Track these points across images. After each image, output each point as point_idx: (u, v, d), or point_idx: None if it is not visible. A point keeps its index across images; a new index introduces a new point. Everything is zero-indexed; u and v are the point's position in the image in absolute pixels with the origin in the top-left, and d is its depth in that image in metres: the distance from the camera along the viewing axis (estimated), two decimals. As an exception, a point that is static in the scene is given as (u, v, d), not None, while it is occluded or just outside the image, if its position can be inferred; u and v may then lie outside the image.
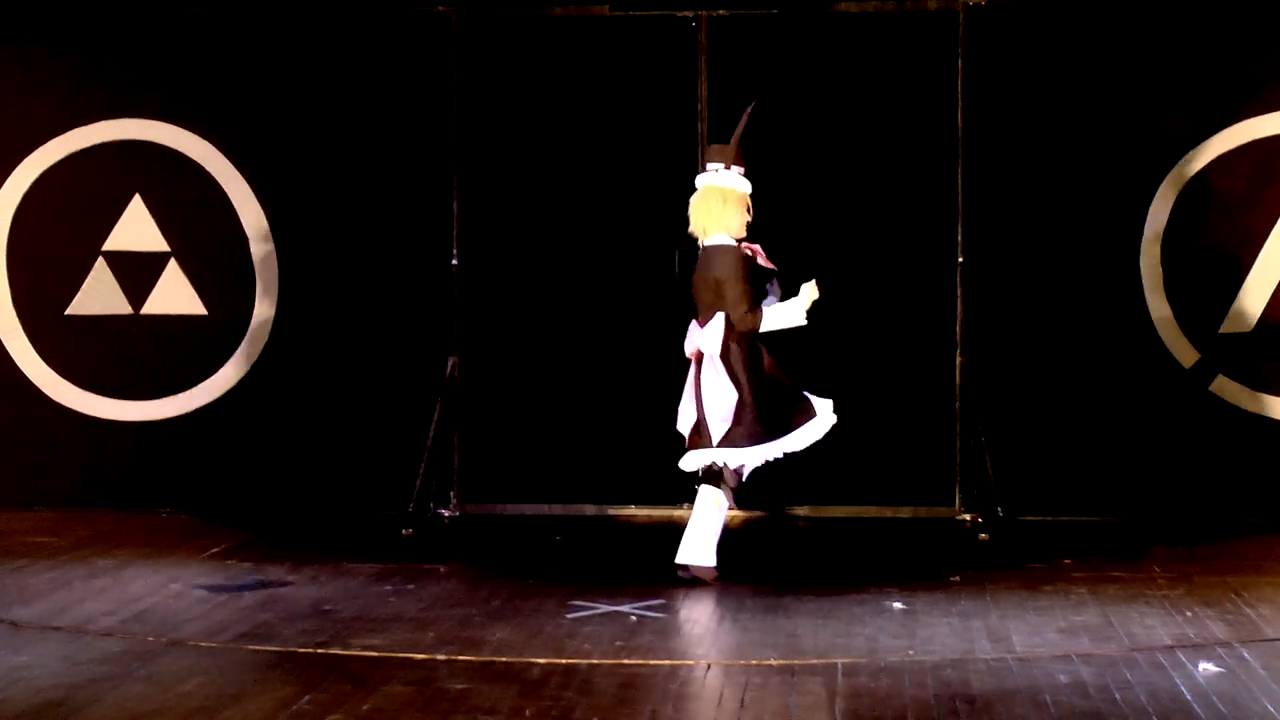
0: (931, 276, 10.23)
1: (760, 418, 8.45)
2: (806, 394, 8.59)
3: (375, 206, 10.47)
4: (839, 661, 7.15)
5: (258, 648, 7.40)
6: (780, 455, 8.56)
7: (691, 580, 8.53)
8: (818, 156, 10.30)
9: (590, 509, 10.43)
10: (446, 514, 10.43)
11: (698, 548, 8.55)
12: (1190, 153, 10.06)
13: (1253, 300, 10.04)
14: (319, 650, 7.32)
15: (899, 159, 10.26)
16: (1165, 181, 10.08)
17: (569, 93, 10.44)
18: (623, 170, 10.41)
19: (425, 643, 7.44)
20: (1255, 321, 10.05)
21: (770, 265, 8.62)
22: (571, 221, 10.44)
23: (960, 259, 10.18)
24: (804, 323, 8.58)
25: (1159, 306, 10.10)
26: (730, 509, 8.66)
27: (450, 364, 10.42)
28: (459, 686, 6.79)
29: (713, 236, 8.58)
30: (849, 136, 10.29)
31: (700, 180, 8.67)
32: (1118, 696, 6.63)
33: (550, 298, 10.46)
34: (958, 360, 10.18)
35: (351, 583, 8.67)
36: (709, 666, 7.10)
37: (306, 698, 6.60)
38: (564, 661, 7.16)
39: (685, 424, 8.65)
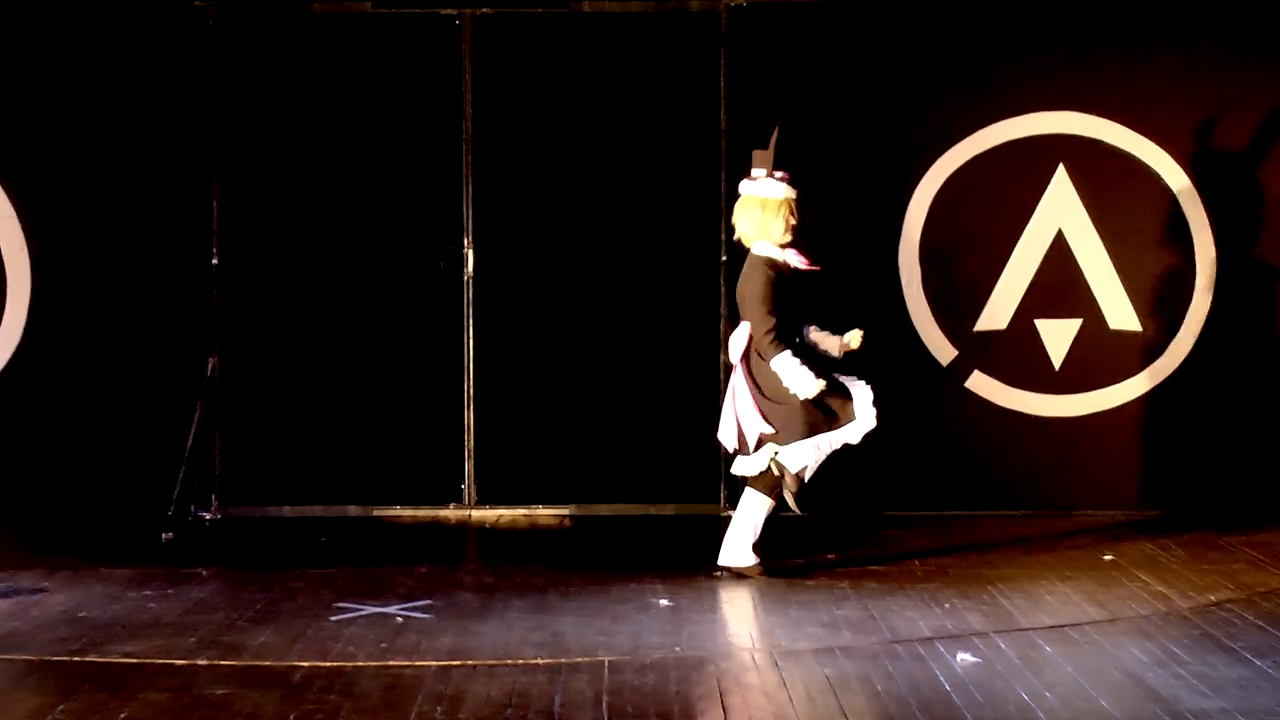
0: (697, 274, 10.30)
1: (804, 418, 8.44)
2: (846, 385, 8.60)
3: (133, 207, 10.25)
4: (605, 659, 7.17)
5: (9, 657, 7.20)
6: (832, 449, 8.59)
7: (735, 575, 8.61)
8: (582, 156, 10.31)
9: (355, 510, 10.33)
10: (208, 517, 10.25)
11: (736, 549, 8.60)
12: (946, 154, 10.26)
13: (1006, 297, 10.27)
14: (74, 658, 7.15)
15: (662, 159, 10.31)
16: (922, 182, 10.27)
17: (331, 91, 10.32)
18: (386, 170, 10.32)
19: (185, 648, 7.31)
20: (1009, 319, 10.28)
21: (812, 268, 8.62)
22: (335, 221, 10.32)
23: (724, 258, 10.26)
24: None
25: (917, 304, 10.29)
26: (790, 512, 8.62)
27: (210, 365, 10.25)
28: (220, 692, 6.68)
29: (756, 244, 8.61)
30: (613, 136, 10.32)
31: (742, 188, 8.70)
32: (879, 689, 6.73)
33: (313, 298, 10.34)
34: (721, 359, 10.26)
35: (109, 588, 8.48)
36: (475, 666, 7.07)
37: (60, 707, 6.45)
38: (328, 664, 7.08)
39: (725, 431, 8.64)
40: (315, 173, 10.33)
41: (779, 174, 8.62)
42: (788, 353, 8.43)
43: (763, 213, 8.59)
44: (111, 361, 10.25)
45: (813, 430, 8.47)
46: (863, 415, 8.54)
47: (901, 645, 7.39)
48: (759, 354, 8.51)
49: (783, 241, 8.60)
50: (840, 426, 8.54)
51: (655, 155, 10.32)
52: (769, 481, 8.54)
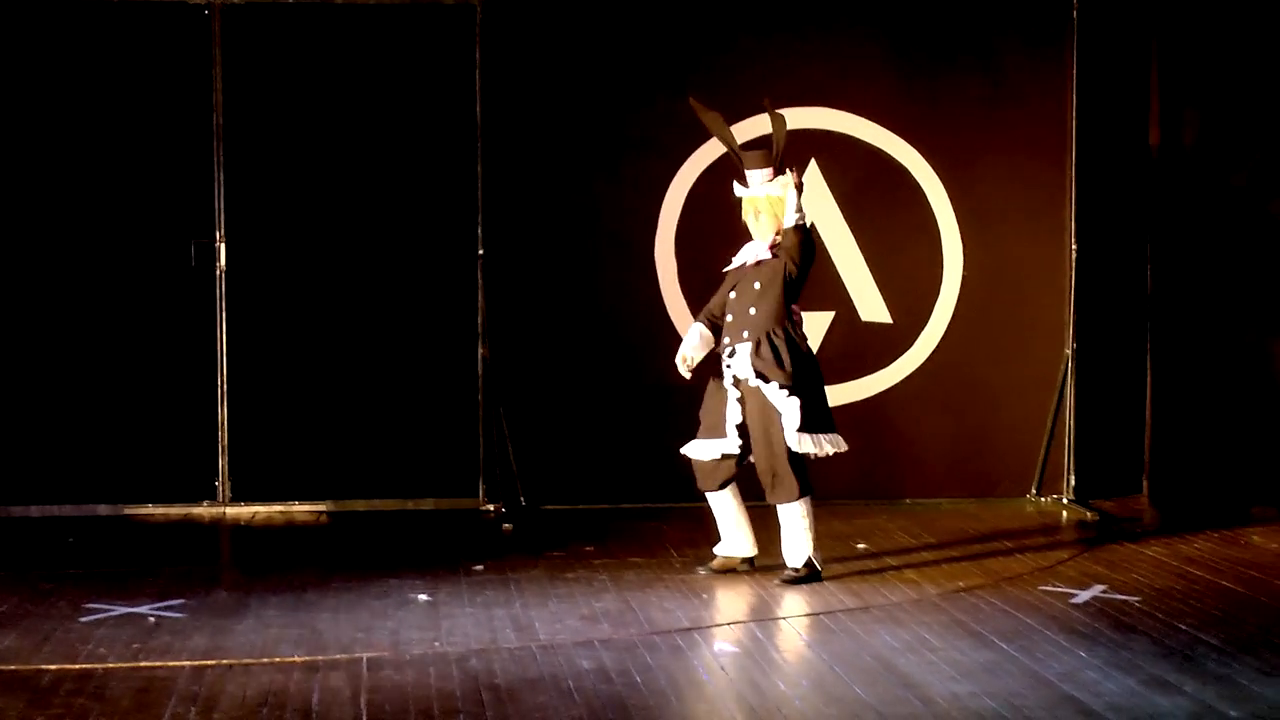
0: (454, 270, 10.27)
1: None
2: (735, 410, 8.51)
3: None
4: (363, 655, 7.11)
5: None
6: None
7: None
8: (338, 149, 10.21)
9: (105, 508, 10.11)
10: (-50, 518, 9.98)
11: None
12: (700, 148, 10.32)
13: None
14: None
15: (419, 153, 10.26)
16: (676, 177, 10.32)
17: (77, 80, 10.08)
18: (134, 162, 10.11)
19: (-73, 653, 7.10)
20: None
21: (739, 263, 8.51)
22: (82, 214, 10.09)
23: (481, 252, 10.24)
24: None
25: (674, 297, 10.36)
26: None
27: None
28: (-36, 697, 6.50)
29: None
30: (369, 129, 10.24)
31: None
32: (638, 679, 6.78)
33: (60, 293, 10.09)
34: (480, 352, 10.25)
35: None
36: (230, 666, 6.97)
37: None
38: (77, 667, 6.93)
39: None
40: (60, 165, 10.08)
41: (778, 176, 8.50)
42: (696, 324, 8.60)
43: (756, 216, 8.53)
44: None
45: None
46: (714, 445, 8.50)
47: (660, 636, 7.44)
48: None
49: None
50: (698, 437, 8.57)
51: (412, 148, 10.26)
52: None
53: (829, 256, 10.38)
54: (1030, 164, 10.45)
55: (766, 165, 8.49)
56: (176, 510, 10.17)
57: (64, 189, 10.10)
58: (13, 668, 6.92)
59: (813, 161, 10.36)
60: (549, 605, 7.98)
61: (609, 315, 10.35)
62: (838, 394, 10.39)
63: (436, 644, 7.31)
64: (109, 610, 7.83)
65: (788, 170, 8.48)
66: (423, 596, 8.14)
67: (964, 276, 10.46)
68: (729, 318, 8.49)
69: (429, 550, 9.25)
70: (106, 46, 10.09)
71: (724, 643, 7.29)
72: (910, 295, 10.47)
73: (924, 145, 10.42)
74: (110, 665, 6.96)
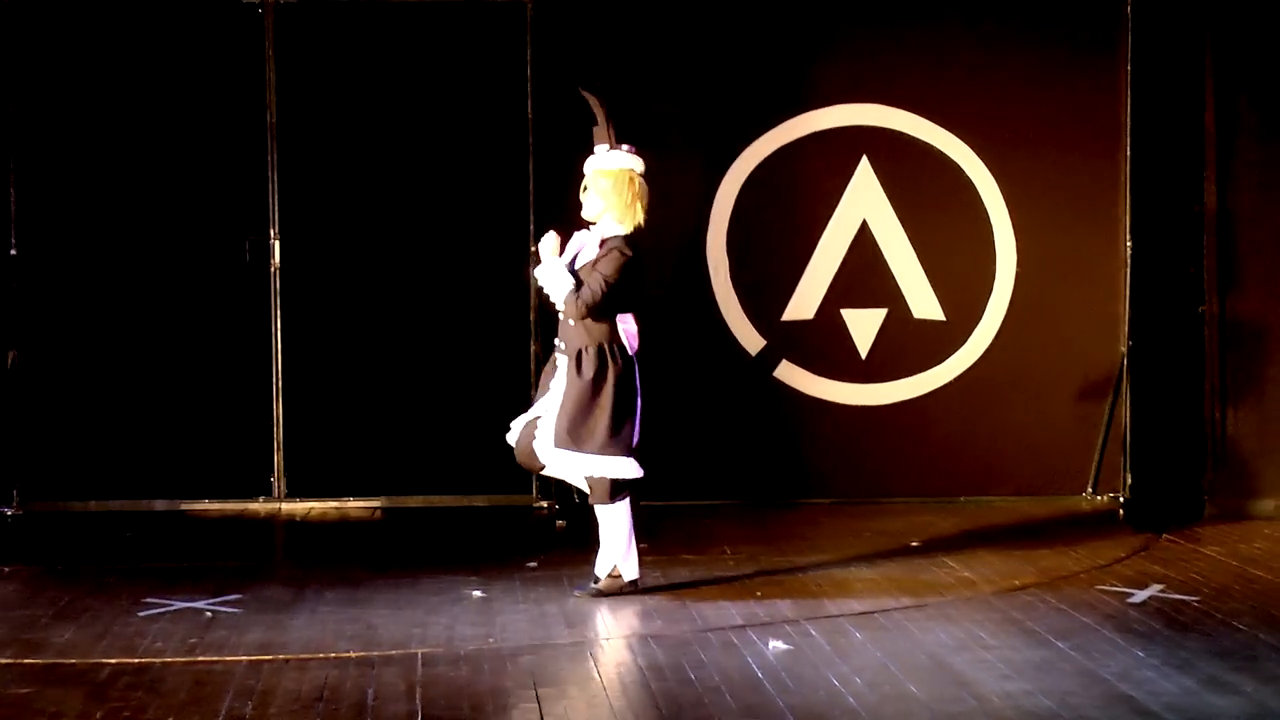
0: (506, 266, 10.28)
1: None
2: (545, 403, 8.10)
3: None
4: (418, 651, 7.14)
5: None
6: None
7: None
8: (390, 146, 10.25)
9: (161, 504, 10.18)
10: (9, 512, 10.05)
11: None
12: (752, 144, 10.34)
13: (813, 287, 10.38)
14: None
15: (472, 150, 10.28)
16: (728, 172, 10.35)
17: (132, 78, 10.15)
18: (190, 159, 10.18)
19: (-14, 647, 7.17)
20: (816, 308, 10.40)
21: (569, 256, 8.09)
22: (138, 211, 10.16)
23: (533, 249, 10.24)
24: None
25: (725, 294, 10.37)
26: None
27: (10, 358, 10.04)
28: (22, 691, 6.55)
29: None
30: (421, 126, 10.26)
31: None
32: (692, 676, 6.78)
33: (117, 289, 10.16)
34: (532, 349, 10.27)
35: (-95, 587, 8.29)
36: (286, 661, 7.01)
37: None
38: (135, 661, 6.97)
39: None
40: (117, 162, 10.15)
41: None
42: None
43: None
44: (-94, 355, 10.01)
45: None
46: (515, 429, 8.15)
47: (713, 633, 7.44)
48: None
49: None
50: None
51: (463, 145, 10.29)
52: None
53: (881, 253, 10.37)
54: (1084, 159, 10.41)
55: (601, 142, 8.12)
56: (232, 506, 10.23)
57: (119, 186, 10.16)
58: (72, 661, 6.97)
59: (864, 158, 10.35)
60: (602, 601, 7.99)
61: (659, 311, 10.34)
62: (891, 392, 10.40)
63: (490, 640, 7.33)
64: (166, 605, 7.89)
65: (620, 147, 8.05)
66: (476, 592, 8.17)
67: (1018, 273, 10.42)
68: (559, 316, 8.06)
69: (482, 547, 9.28)
70: (163, 44, 10.14)
71: (777, 640, 7.29)
72: (963, 292, 10.44)
73: (976, 141, 10.39)
74: (167, 659, 7.01)
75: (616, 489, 7.99)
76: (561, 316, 8.05)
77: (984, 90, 10.39)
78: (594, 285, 7.89)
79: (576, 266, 8.01)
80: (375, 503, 10.31)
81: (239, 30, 10.17)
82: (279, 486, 10.29)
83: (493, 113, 10.29)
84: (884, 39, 10.36)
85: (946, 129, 10.38)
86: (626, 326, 8.02)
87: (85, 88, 10.12)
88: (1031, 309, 10.45)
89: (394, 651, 7.14)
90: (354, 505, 10.30)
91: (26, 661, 6.96)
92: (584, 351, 7.95)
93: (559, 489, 10.00)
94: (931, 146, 10.39)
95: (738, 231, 10.36)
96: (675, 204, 10.31)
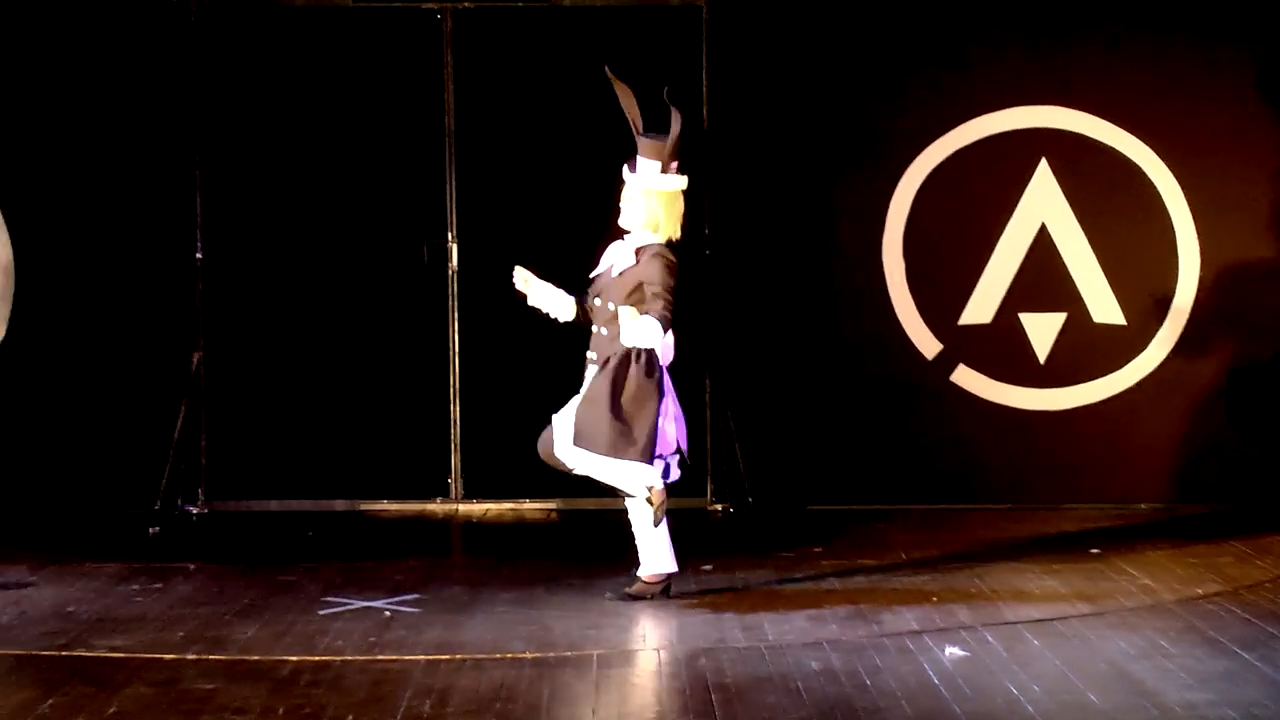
0: (681, 268, 10.25)
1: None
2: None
3: (116, 202, 10.23)
4: (593, 653, 7.17)
5: (-3, 651, 7.20)
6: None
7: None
8: (566, 150, 10.30)
9: (341, 504, 10.32)
10: (194, 511, 10.24)
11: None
12: (929, 148, 10.27)
13: (990, 291, 10.29)
14: (61, 653, 7.14)
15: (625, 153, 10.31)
16: (905, 176, 10.28)
17: (313, 85, 10.30)
18: (369, 164, 10.31)
19: (172, 642, 7.30)
20: (994, 312, 10.30)
21: (605, 268, 8.16)
22: (319, 216, 10.31)
23: (707, 251, 10.26)
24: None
25: (901, 298, 10.31)
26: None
27: (195, 359, 10.23)
28: (207, 686, 6.67)
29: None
30: (596, 130, 10.30)
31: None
32: (868, 682, 6.74)
33: (297, 292, 10.32)
34: (713, 356, 10.27)
35: (95, 583, 8.47)
36: (463, 660, 7.07)
37: (49, 702, 6.44)
38: (315, 659, 7.08)
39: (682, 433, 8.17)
40: (298, 167, 10.31)
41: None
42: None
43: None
44: (98, 356, 10.23)
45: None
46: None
47: (889, 639, 7.40)
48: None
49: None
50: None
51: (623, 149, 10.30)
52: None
53: (1060, 257, 10.24)
54: (1269, 158, 10.20)
55: (657, 158, 8.05)
56: (411, 507, 10.34)
57: (300, 191, 10.32)
58: (255, 658, 7.09)
59: (1043, 160, 10.23)
60: (777, 606, 7.97)
61: (835, 315, 10.32)
62: (1070, 396, 10.27)
63: (666, 642, 7.34)
64: (346, 604, 7.99)
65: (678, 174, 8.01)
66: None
67: (1200, 276, 10.24)
68: (592, 326, 8.08)
69: (657, 549, 9.28)
70: (344, 52, 10.29)
71: (954, 646, 7.22)
72: (1145, 295, 10.28)
73: (1157, 142, 10.23)
74: (347, 657, 7.11)
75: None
76: (595, 327, 8.02)
77: (1165, 90, 10.22)
78: (659, 306, 7.79)
79: (613, 276, 7.99)
80: (551, 504, 10.37)
81: (419, 37, 10.28)
82: (456, 488, 10.39)
83: (667, 115, 10.29)
84: (1060, 41, 10.22)
85: (1127, 130, 10.23)
86: (665, 340, 7.93)
87: (268, 95, 10.28)
88: (1215, 313, 10.25)
89: (570, 652, 7.18)
90: (530, 507, 10.38)
91: (211, 658, 7.09)
92: (613, 358, 7.92)
93: (734, 491, 9.99)
94: (1112, 149, 10.25)
95: (914, 236, 10.29)
96: (850, 209, 10.27)
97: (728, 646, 7.28)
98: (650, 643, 7.33)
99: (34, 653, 7.16)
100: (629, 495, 8.06)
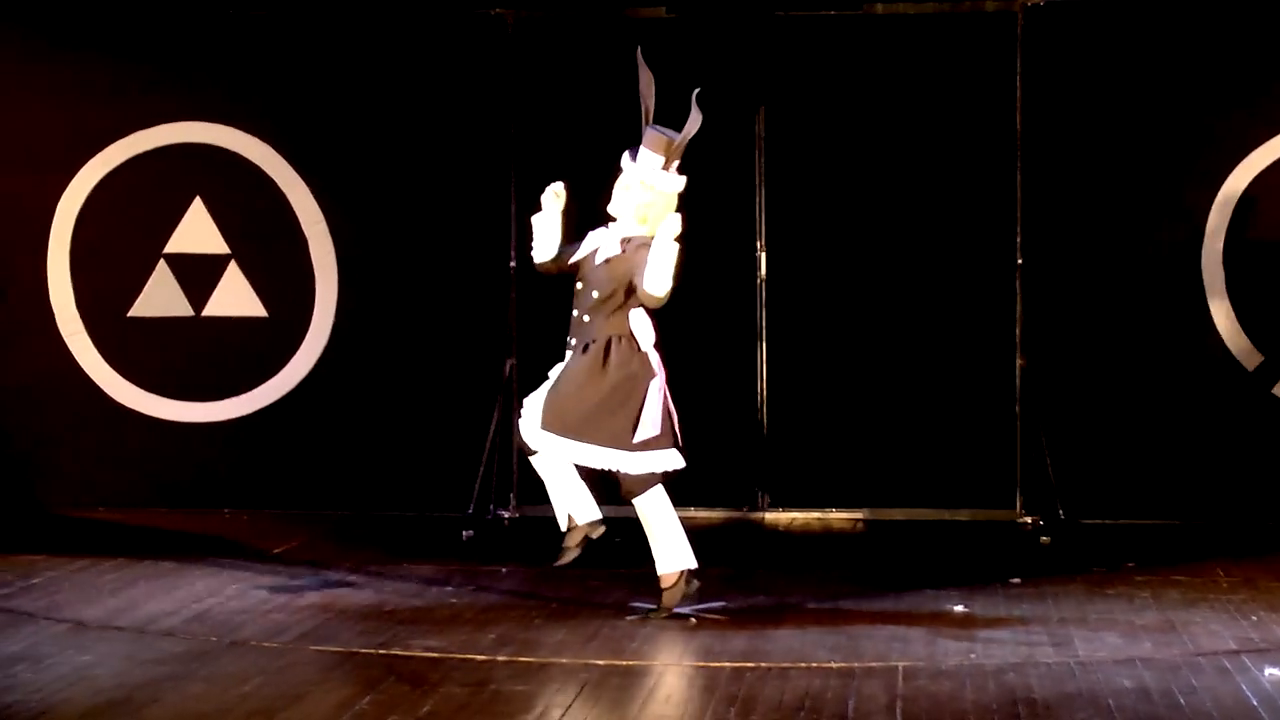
0: (992, 279, 10.19)
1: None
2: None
3: (435, 209, 10.50)
4: (899, 664, 7.13)
5: (318, 648, 7.42)
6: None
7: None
8: (873, 158, 10.26)
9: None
10: (506, 515, 10.44)
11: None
12: (1252, 153, 9.99)
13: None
14: (379, 651, 7.34)
15: (957, 162, 10.22)
16: (1226, 182, 10.01)
17: (625, 93, 10.39)
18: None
19: (484, 644, 7.46)
20: (1321, 322, 9.98)
21: (589, 250, 7.95)
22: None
23: (1020, 261, 10.13)
24: None
25: (1221, 308, 10.03)
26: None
27: (508, 366, 10.42)
28: (519, 688, 6.79)
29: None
30: (905, 139, 10.25)
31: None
32: (1182, 702, 6.58)
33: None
34: (1018, 362, 10.14)
35: (411, 584, 8.69)
36: (769, 669, 7.08)
37: (366, 699, 6.62)
38: (623, 663, 7.16)
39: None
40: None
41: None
42: None
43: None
44: (415, 362, 10.50)
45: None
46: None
47: (1205, 658, 7.21)
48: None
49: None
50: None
51: (950, 156, 10.23)
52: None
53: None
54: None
55: (662, 154, 7.80)
56: (718, 514, 10.39)
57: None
58: (564, 660, 7.20)
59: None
60: (1088, 621, 7.83)
61: (1150, 327, 10.09)
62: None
63: (973, 655, 7.26)
64: (652, 609, 8.05)
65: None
66: (959, 607, 8.10)
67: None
68: (574, 312, 7.89)
69: (965, 561, 9.21)
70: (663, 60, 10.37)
71: (1274, 667, 7.00)
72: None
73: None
74: (653, 662, 7.17)
75: (649, 478, 7.80)
76: (576, 313, 7.85)
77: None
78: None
79: (597, 262, 7.83)
80: (858, 514, 10.33)
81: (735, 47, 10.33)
82: (763, 496, 10.41)
83: (980, 123, 10.20)
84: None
85: None
86: (641, 319, 7.78)
87: (577, 107, 10.38)
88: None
89: (875, 664, 7.14)
90: (836, 516, 10.35)
91: (522, 660, 7.22)
92: (593, 344, 7.79)
93: (1045, 505, 9.85)
94: None
95: (1235, 241, 10.01)
96: (1167, 218, 10.03)
97: (1037, 662, 7.17)
98: (956, 655, 7.26)
99: (354, 651, 7.37)
100: (629, 495, 7.92)
